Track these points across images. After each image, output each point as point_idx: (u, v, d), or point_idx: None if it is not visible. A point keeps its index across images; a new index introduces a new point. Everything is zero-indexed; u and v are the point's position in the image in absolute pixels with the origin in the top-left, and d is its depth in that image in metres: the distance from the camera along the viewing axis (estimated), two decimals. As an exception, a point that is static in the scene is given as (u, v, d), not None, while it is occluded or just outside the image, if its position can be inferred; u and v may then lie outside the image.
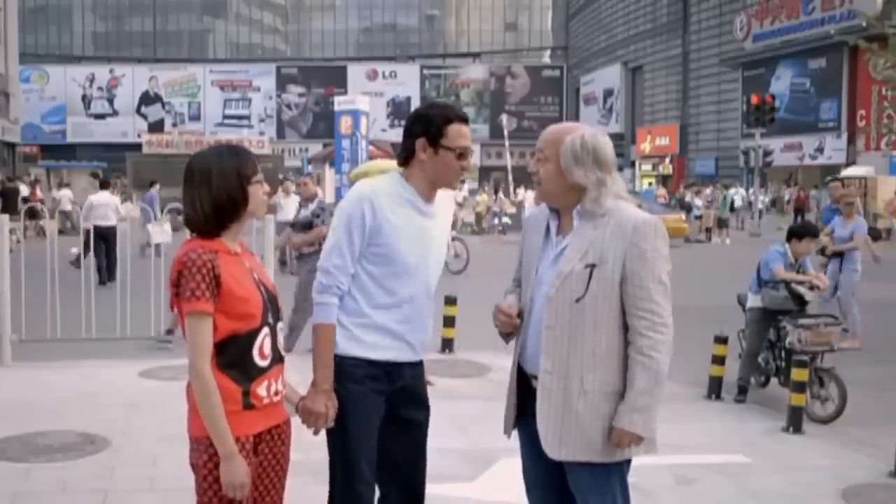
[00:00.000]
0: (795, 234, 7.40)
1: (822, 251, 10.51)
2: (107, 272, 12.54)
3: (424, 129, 3.01)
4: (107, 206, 14.40)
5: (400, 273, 2.98)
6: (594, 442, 2.78)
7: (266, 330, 2.68)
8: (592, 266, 2.77)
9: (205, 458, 2.59)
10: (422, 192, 3.05)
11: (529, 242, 3.04)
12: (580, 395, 2.78)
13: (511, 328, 2.97)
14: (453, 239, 16.74)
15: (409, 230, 2.99)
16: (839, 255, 10.06)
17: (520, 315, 2.95)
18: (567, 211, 2.90)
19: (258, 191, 2.71)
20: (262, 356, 2.67)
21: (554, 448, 2.82)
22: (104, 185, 16.02)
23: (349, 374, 2.97)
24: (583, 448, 2.79)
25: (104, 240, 12.79)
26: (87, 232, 11.79)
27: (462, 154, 3.03)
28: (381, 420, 3.03)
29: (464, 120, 3.06)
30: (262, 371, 2.67)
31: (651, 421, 2.78)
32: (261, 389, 2.66)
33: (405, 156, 3.05)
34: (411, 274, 3.00)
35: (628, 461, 2.88)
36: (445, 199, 3.22)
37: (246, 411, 2.62)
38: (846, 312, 9.61)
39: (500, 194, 33.72)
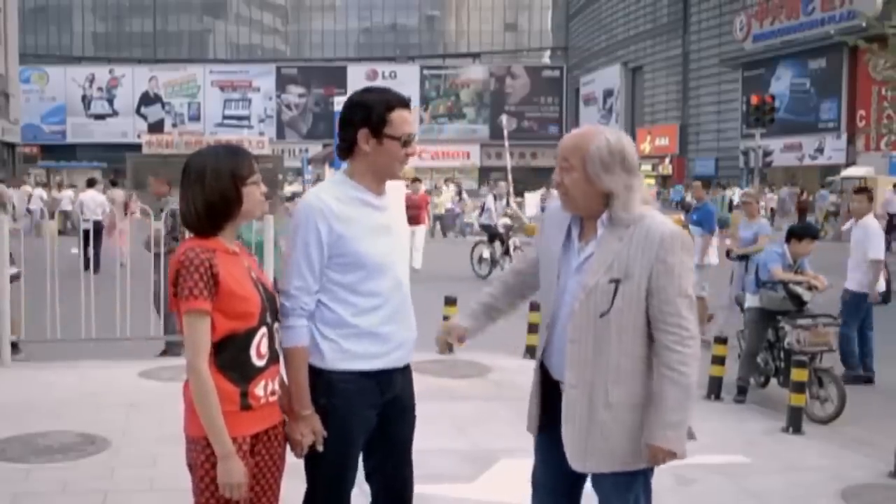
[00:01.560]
0: (795, 234, 7.40)
1: (728, 253, 10.40)
2: (94, 262, 13.85)
3: (365, 118, 2.84)
4: (94, 202, 16.59)
5: (373, 274, 2.87)
6: (618, 453, 2.78)
7: (264, 330, 2.68)
8: (617, 281, 2.73)
9: (202, 459, 2.58)
10: (371, 187, 2.91)
11: (548, 240, 2.96)
12: (605, 408, 2.77)
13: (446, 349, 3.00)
14: (514, 248, 15.83)
15: (368, 230, 2.87)
16: (745, 257, 9.91)
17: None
18: (592, 219, 2.84)
19: (254, 191, 2.69)
20: (259, 356, 2.67)
21: (579, 461, 2.81)
22: (91, 184, 18.08)
23: (339, 390, 2.86)
24: (607, 460, 2.79)
25: (94, 232, 14.58)
26: (85, 229, 13.32)
27: (407, 142, 2.89)
28: (368, 435, 2.96)
29: (405, 105, 2.90)
30: (259, 371, 2.67)
31: (683, 434, 2.77)
32: (258, 389, 2.66)
33: (346, 147, 2.90)
34: (383, 272, 2.90)
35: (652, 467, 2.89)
36: (395, 187, 3.10)
37: (243, 412, 2.62)
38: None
39: (465, 195, 33.06)
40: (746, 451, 5.78)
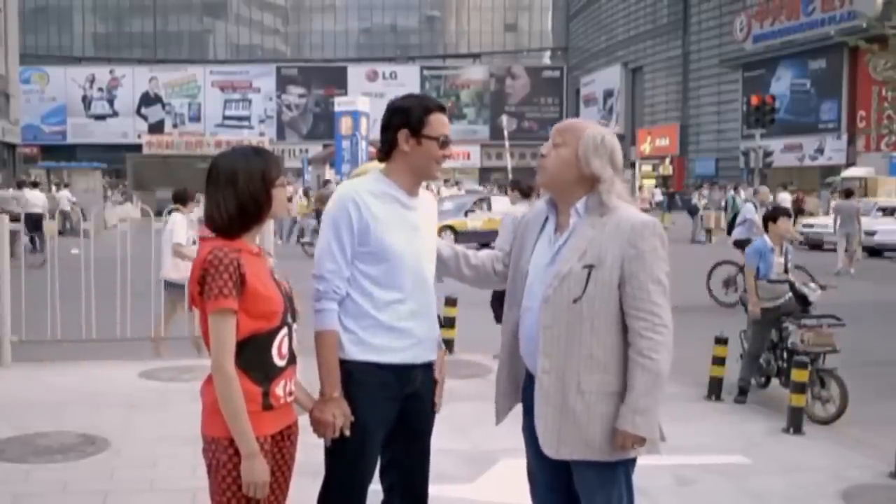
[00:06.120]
0: (770, 217, 7.48)
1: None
2: (38, 245, 18.51)
3: (405, 120, 2.98)
4: (37, 200, 21.06)
5: (396, 268, 2.95)
6: (593, 441, 2.79)
7: (285, 330, 2.69)
8: (590, 267, 2.78)
9: (224, 459, 2.58)
10: (404, 186, 3.02)
11: (524, 237, 3.06)
12: (577, 395, 2.78)
13: None
14: None
15: (395, 225, 2.96)
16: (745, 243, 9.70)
17: None
18: (566, 208, 2.91)
19: (281, 193, 2.73)
20: (281, 356, 2.68)
21: (552, 447, 2.82)
22: (35, 185, 23.26)
23: (357, 380, 2.92)
24: (581, 447, 2.80)
25: (34, 222, 19.27)
26: (26, 217, 17.62)
27: (444, 143, 3.01)
28: (389, 427, 3.00)
29: (442, 109, 3.05)
30: (280, 371, 2.68)
31: (653, 421, 2.78)
32: (278, 389, 2.68)
33: (387, 149, 3.03)
34: (407, 268, 2.97)
35: (633, 460, 2.89)
36: (428, 197, 3.22)
37: (265, 412, 2.63)
38: None
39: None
40: (747, 451, 5.78)
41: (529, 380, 2.98)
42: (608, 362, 2.79)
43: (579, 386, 2.78)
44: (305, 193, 29.29)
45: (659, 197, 38.24)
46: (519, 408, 3.10)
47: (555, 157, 2.90)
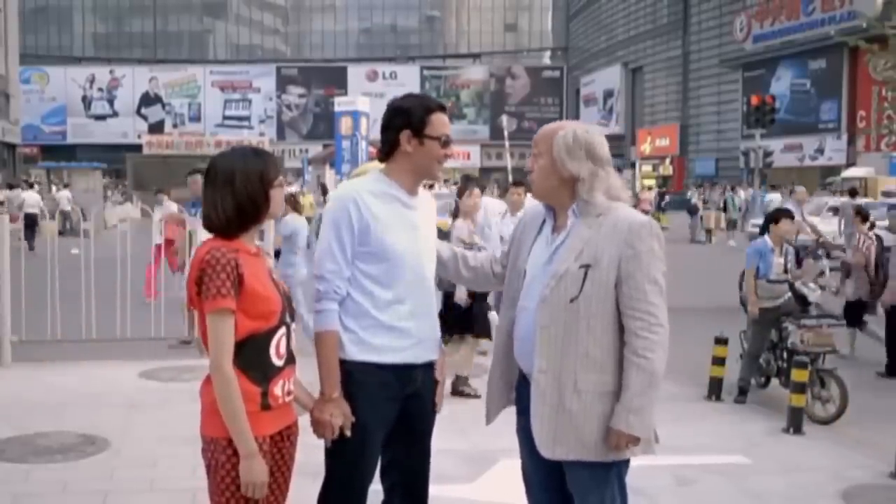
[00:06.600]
0: (772, 219, 7.49)
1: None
2: (31, 242, 19.73)
3: (406, 120, 2.98)
4: (33, 200, 22.82)
5: (397, 268, 2.95)
6: (588, 441, 2.79)
7: (283, 329, 2.70)
8: (587, 267, 2.78)
9: (222, 459, 2.58)
10: (405, 186, 3.03)
11: (522, 239, 3.07)
12: (574, 395, 2.78)
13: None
14: None
15: (396, 224, 2.96)
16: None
17: None
18: (563, 209, 2.91)
19: (279, 194, 2.73)
20: (279, 355, 2.68)
21: (548, 447, 2.82)
22: (31, 186, 26.29)
23: (358, 381, 2.92)
24: (577, 447, 2.79)
25: (31, 220, 21.30)
26: (26, 217, 21.09)
27: (446, 142, 3.02)
28: (389, 427, 3.00)
29: (443, 108, 3.06)
30: (279, 370, 2.68)
31: (647, 421, 2.78)
32: (277, 389, 2.68)
33: (387, 149, 3.03)
34: (408, 267, 2.97)
35: (626, 461, 2.89)
36: (428, 197, 3.22)
37: (263, 412, 2.63)
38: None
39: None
40: (747, 451, 5.78)
41: (523, 381, 2.98)
42: (605, 362, 2.79)
43: (576, 385, 2.78)
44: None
45: None
46: (514, 408, 3.09)
47: (537, 169, 2.92)
